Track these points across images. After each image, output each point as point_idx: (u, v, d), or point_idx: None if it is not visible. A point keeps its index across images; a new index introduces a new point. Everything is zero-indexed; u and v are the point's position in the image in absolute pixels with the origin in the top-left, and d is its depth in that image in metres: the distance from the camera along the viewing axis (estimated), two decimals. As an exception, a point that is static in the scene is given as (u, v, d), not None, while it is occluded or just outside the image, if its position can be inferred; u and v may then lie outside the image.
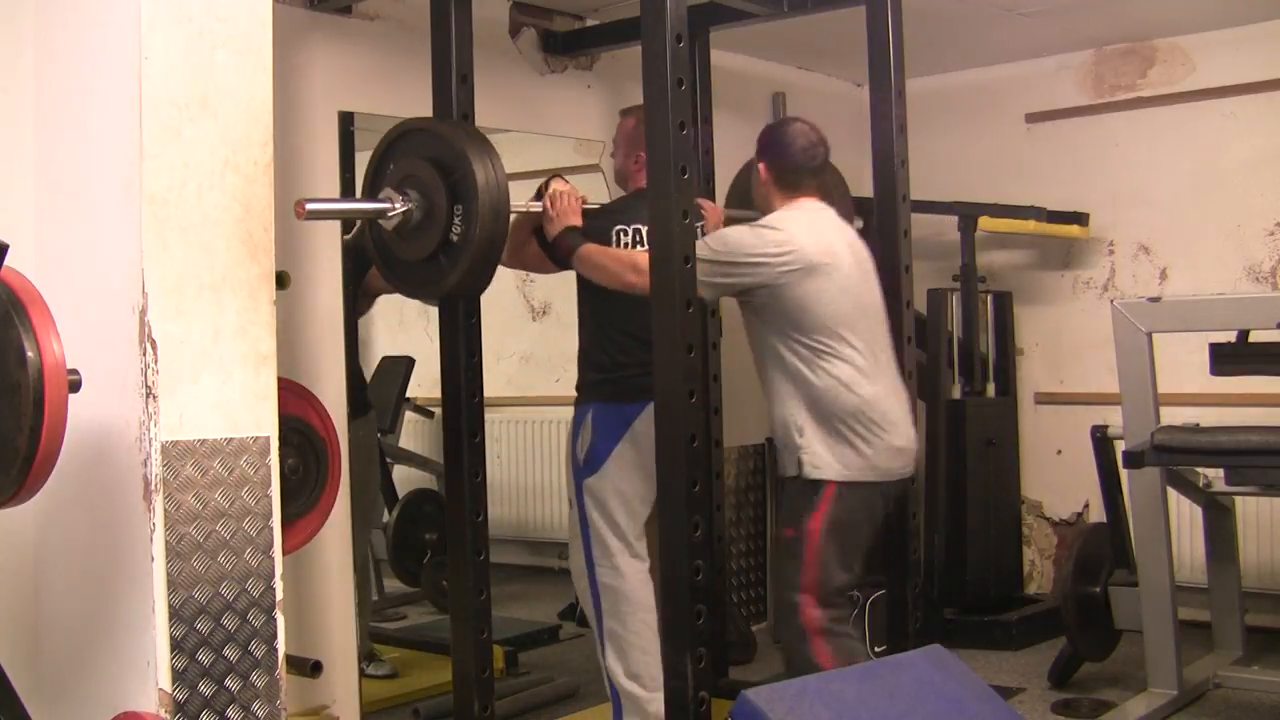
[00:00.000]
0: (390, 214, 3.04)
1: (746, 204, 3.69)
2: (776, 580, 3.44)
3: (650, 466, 3.35)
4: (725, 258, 3.15)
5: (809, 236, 3.20)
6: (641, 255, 3.22)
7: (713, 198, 4.20)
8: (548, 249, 3.43)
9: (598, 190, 4.51)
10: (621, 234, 3.47)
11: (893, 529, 3.45)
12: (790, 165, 3.30)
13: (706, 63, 4.30)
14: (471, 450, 3.32)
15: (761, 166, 3.33)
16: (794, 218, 3.25)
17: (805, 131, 3.32)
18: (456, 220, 3.01)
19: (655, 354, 2.91)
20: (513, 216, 3.19)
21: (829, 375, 3.14)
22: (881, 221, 3.59)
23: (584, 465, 3.49)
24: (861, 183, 3.73)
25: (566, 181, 3.42)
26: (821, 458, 3.13)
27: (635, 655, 3.40)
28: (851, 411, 3.14)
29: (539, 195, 3.41)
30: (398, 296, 4.48)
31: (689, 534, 2.82)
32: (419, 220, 3.05)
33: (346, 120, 3.92)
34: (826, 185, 3.47)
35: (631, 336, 3.40)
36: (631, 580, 3.44)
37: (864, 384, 3.16)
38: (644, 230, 3.42)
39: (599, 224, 3.46)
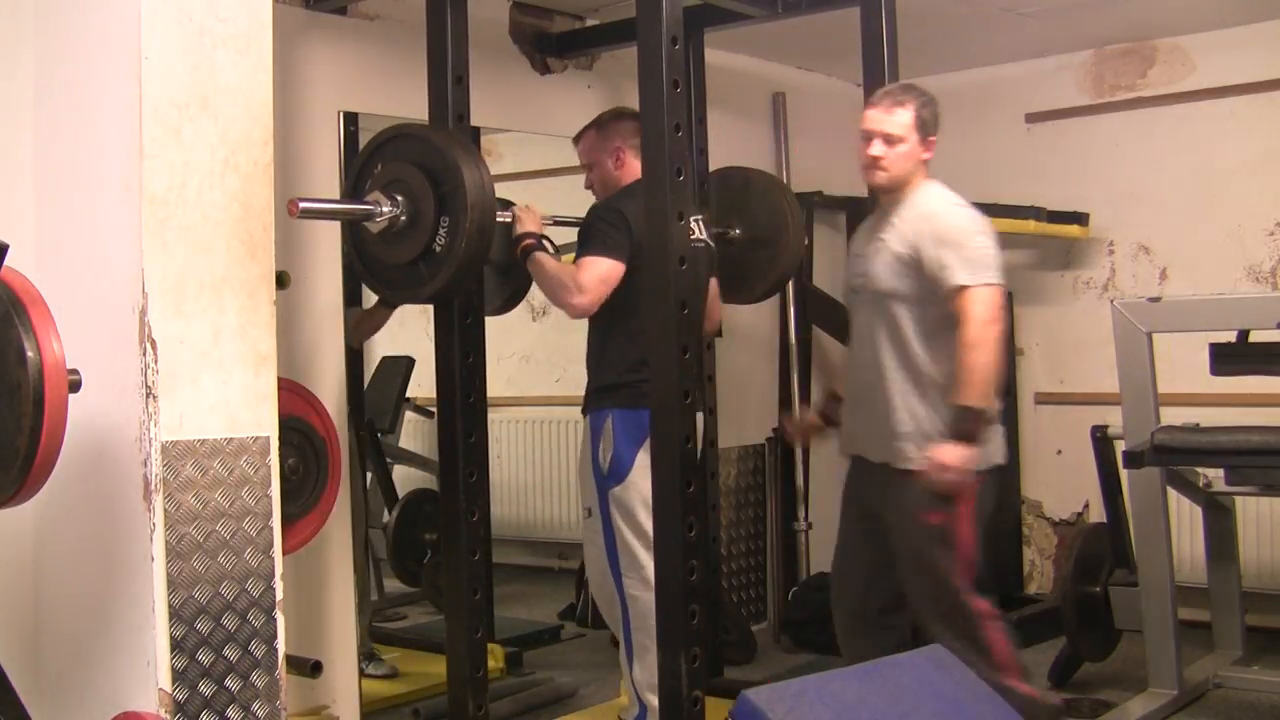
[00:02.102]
0: (379, 217, 3.07)
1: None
2: (915, 566, 3.16)
3: None
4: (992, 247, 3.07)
5: None
6: (581, 274, 3.28)
7: (707, 200, 4.20)
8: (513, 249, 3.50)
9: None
10: None
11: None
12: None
13: (701, 63, 4.31)
14: (467, 450, 3.31)
15: (926, 146, 3.17)
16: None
17: None
18: (442, 231, 3.03)
19: (650, 355, 2.92)
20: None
21: (946, 361, 3.08)
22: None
23: (608, 474, 3.40)
24: (859, 183, 3.72)
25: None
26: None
27: None
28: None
29: (504, 206, 3.47)
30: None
31: (683, 535, 2.83)
32: (403, 226, 3.08)
33: (350, 120, 3.92)
34: None
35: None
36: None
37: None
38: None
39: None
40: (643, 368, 3.30)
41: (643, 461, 3.34)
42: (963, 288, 3.01)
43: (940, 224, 3.10)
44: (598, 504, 3.44)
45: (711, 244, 3.66)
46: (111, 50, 2.54)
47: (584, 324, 3.55)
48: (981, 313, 2.99)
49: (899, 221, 3.16)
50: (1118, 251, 5.21)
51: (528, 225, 3.46)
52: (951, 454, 2.99)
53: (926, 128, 3.15)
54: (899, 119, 3.14)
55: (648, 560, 3.32)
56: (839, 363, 3.47)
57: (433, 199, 3.02)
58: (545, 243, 3.49)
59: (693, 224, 3.47)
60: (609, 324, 3.45)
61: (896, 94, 3.19)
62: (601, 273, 3.29)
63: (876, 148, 3.15)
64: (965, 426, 3.00)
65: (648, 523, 3.31)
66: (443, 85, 3.27)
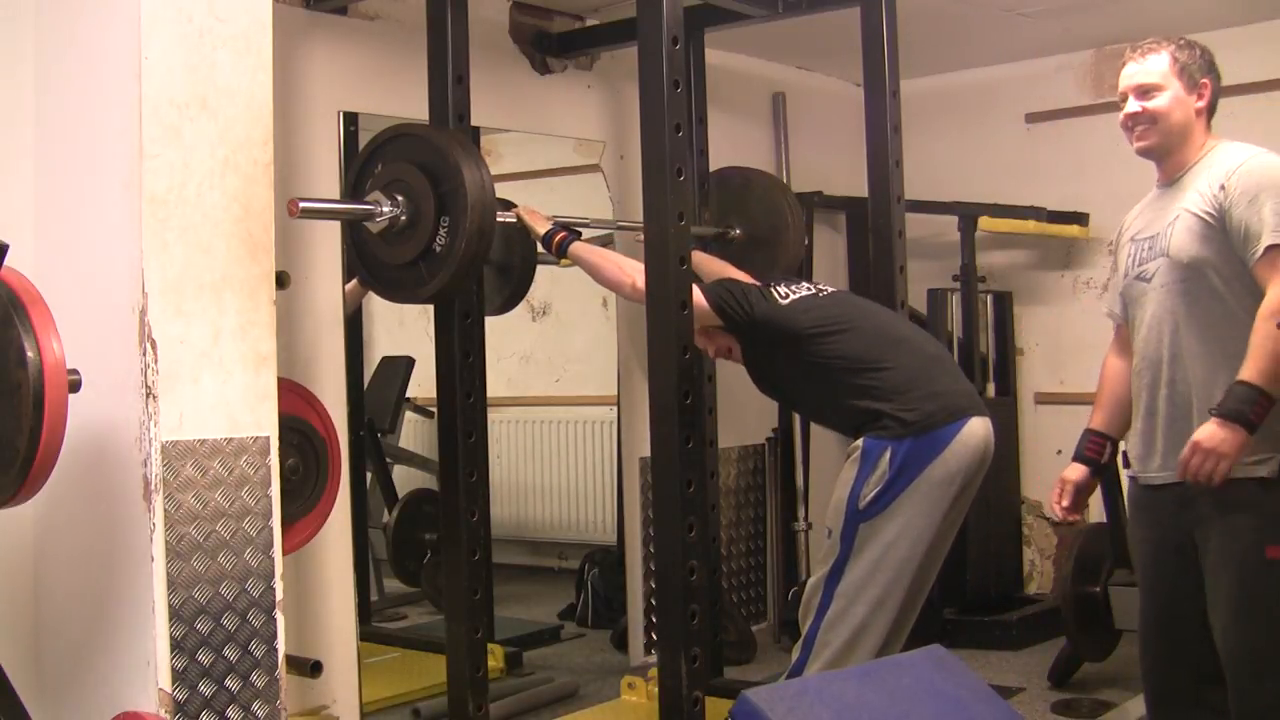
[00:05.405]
0: (379, 217, 3.08)
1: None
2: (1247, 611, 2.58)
3: (940, 506, 3.00)
4: None
5: None
6: (628, 259, 3.22)
7: (706, 199, 4.21)
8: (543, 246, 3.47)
9: (598, 190, 4.52)
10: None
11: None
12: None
13: (701, 63, 4.31)
14: (467, 450, 3.31)
15: (1196, 93, 2.80)
16: None
17: None
18: (442, 231, 3.04)
19: (650, 356, 2.92)
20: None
21: None
22: (876, 222, 3.60)
23: (865, 509, 2.99)
24: (859, 183, 3.73)
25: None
26: None
27: None
28: None
29: (505, 207, 3.47)
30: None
31: (683, 534, 2.83)
32: (403, 226, 3.09)
33: (350, 120, 3.92)
34: None
35: (927, 359, 3.14)
36: (860, 643, 3.01)
37: None
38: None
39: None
40: (902, 395, 2.99)
41: (913, 489, 2.97)
42: (1272, 248, 2.51)
43: (1249, 177, 2.61)
44: (840, 531, 3.05)
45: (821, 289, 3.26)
46: (111, 50, 2.55)
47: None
48: None
49: (1200, 185, 2.72)
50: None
51: (541, 222, 3.43)
52: (1212, 436, 2.46)
53: (1189, 72, 2.76)
54: (1151, 66, 2.79)
55: (871, 600, 3.00)
56: (1124, 389, 2.95)
57: (433, 199, 3.03)
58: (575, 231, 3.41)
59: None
60: (819, 387, 3.14)
61: (1149, 43, 2.84)
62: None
63: (1131, 104, 2.80)
64: (1236, 406, 2.44)
65: (891, 563, 2.99)
66: (443, 85, 3.27)
